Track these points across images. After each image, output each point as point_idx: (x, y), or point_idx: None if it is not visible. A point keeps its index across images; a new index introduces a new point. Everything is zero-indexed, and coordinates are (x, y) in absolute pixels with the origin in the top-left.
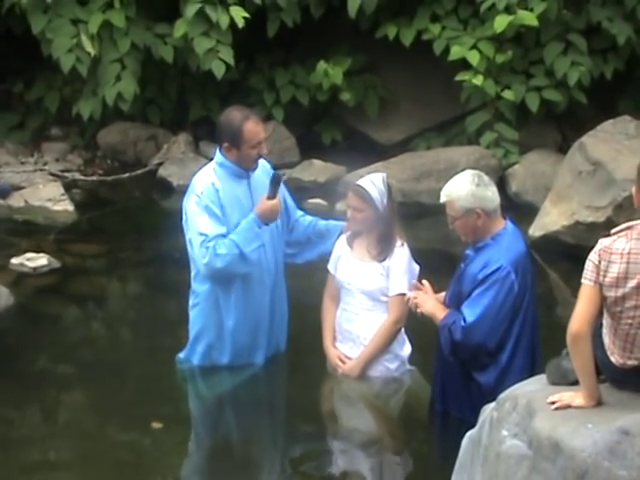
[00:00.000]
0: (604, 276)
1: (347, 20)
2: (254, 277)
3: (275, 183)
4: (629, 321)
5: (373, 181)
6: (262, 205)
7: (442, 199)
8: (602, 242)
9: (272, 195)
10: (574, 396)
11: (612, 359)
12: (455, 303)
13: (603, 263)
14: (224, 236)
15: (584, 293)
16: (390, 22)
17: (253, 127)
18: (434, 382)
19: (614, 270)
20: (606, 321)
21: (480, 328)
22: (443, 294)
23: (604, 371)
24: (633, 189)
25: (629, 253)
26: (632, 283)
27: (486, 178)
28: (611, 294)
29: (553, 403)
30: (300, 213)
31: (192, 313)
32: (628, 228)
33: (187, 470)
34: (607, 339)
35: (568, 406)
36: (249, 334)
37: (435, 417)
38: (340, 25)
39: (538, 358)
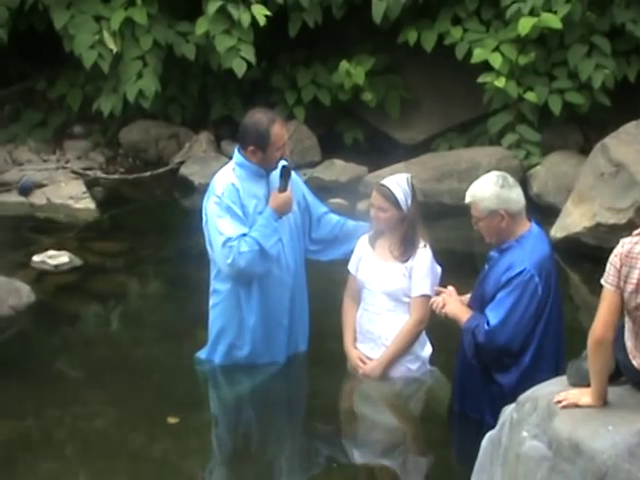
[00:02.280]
0: (625, 282)
1: (369, 20)
2: (274, 275)
3: (285, 175)
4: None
5: (398, 181)
6: (275, 199)
7: (467, 200)
8: (623, 244)
9: (283, 188)
10: (580, 395)
11: (634, 362)
12: (479, 305)
13: (624, 269)
14: (246, 235)
15: (606, 298)
16: (411, 25)
17: (279, 130)
18: (454, 383)
19: (635, 276)
20: (627, 325)
21: (503, 331)
22: (468, 296)
23: (625, 373)
24: None
25: None
26: None
27: (511, 180)
28: (632, 300)
29: (560, 402)
30: (324, 209)
31: (213, 313)
32: None
33: (201, 465)
34: (629, 343)
35: (575, 405)
36: (268, 332)
37: (455, 418)
38: (362, 25)
39: (562, 360)
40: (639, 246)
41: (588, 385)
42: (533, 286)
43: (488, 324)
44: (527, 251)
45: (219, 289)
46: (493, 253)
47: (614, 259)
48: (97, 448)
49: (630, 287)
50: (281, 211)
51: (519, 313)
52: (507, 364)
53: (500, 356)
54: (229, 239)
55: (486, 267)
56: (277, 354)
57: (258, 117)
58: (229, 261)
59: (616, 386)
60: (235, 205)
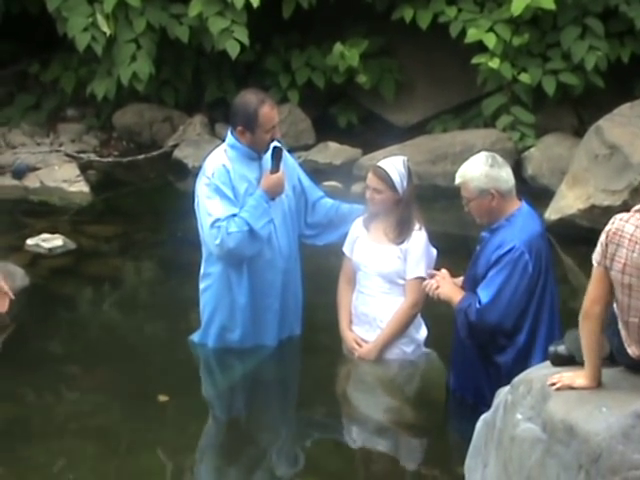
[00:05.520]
0: (612, 260)
1: (363, 2)
2: (265, 258)
3: (276, 157)
4: (638, 313)
5: (394, 163)
6: (266, 180)
7: (456, 180)
8: (614, 220)
9: (275, 169)
10: (574, 377)
11: (629, 350)
12: (472, 286)
13: (611, 246)
14: (235, 216)
15: (593, 274)
16: (406, 4)
17: (268, 111)
18: (451, 366)
19: (622, 255)
20: (617, 312)
21: (495, 309)
22: (461, 279)
23: (619, 358)
24: None
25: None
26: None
27: (500, 159)
28: (618, 279)
29: (554, 384)
30: (320, 194)
31: (204, 296)
32: None
33: (193, 446)
34: (623, 331)
35: (570, 387)
36: (258, 314)
37: (451, 400)
38: (356, 7)
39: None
40: (628, 226)
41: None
42: (523, 263)
43: (479, 303)
44: (517, 229)
45: (210, 272)
46: (484, 233)
47: (602, 236)
48: (91, 429)
49: (617, 266)
50: (272, 192)
51: (510, 290)
52: (502, 344)
53: (493, 335)
54: (218, 220)
55: (478, 248)
56: (267, 338)
57: (248, 97)
58: (217, 242)
59: (609, 368)
60: (225, 186)
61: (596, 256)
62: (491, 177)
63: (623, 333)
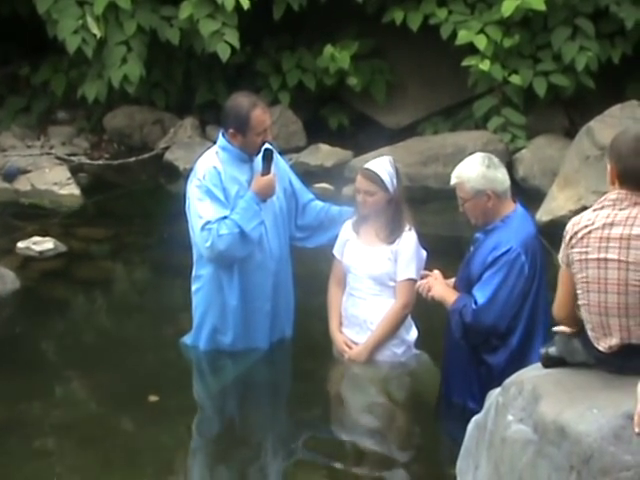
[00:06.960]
0: (572, 247)
1: (354, 4)
2: (256, 260)
3: (267, 159)
4: (584, 286)
5: (382, 164)
6: (257, 182)
7: (452, 181)
8: (571, 220)
9: (266, 171)
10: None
11: (601, 348)
12: (465, 287)
13: (569, 235)
14: (226, 218)
15: (559, 276)
16: (397, 6)
17: (260, 114)
18: (442, 367)
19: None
20: (581, 305)
21: (491, 310)
22: (453, 280)
23: (604, 367)
24: (608, 167)
25: (592, 221)
26: (584, 243)
27: (496, 160)
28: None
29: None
30: (310, 196)
31: (196, 298)
32: (604, 200)
33: (184, 448)
34: (590, 332)
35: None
36: (249, 317)
37: (442, 401)
38: (347, 9)
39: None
40: (585, 215)
41: (572, 362)
42: (519, 264)
43: (475, 303)
44: (513, 230)
45: (201, 274)
46: (478, 235)
47: (564, 234)
48: (81, 429)
49: (576, 251)
50: (263, 194)
51: (506, 291)
52: (495, 345)
53: (488, 336)
54: (208, 222)
55: (471, 249)
56: (258, 340)
57: (239, 100)
58: (208, 244)
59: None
60: (216, 188)
61: (561, 255)
62: (487, 178)
63: (590, 334)
